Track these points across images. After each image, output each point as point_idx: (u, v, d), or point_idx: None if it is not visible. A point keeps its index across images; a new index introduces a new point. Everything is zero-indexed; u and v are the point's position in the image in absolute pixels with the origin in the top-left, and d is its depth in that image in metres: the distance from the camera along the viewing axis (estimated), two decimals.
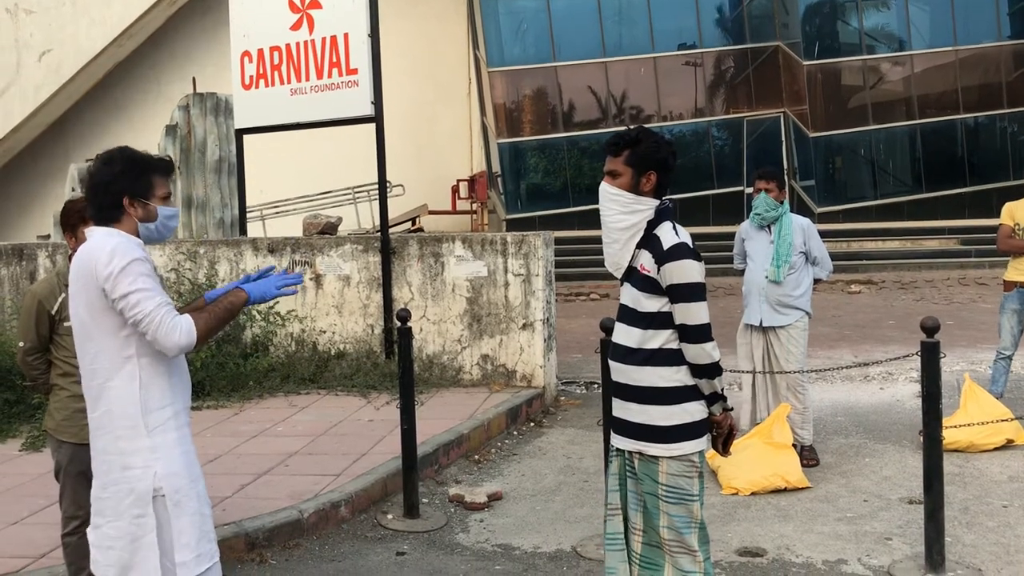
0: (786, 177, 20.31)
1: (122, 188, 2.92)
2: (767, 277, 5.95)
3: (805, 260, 6.04)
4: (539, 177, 23.49)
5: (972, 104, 22.15)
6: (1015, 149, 21.96)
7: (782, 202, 6.07)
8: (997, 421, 5.85)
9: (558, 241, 10.08)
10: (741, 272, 6.28)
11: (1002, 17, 22.60)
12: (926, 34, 22.61)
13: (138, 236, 2.97)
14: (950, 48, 22.13)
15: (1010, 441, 6.13)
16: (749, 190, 22.34)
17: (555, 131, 22.96)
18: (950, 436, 5.76)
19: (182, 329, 2.79)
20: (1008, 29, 22.68)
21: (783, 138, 22.74)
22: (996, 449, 6.08)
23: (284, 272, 3.17)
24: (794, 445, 5.77)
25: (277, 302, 8.32)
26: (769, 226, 6.04)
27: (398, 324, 5.36)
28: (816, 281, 6.17)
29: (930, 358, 4.26)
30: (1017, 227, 6.62)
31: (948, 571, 4.29)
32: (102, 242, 2.86)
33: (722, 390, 3.29)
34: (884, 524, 4.97)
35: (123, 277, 2.79)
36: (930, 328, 4.29)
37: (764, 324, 5.99)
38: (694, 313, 3.19)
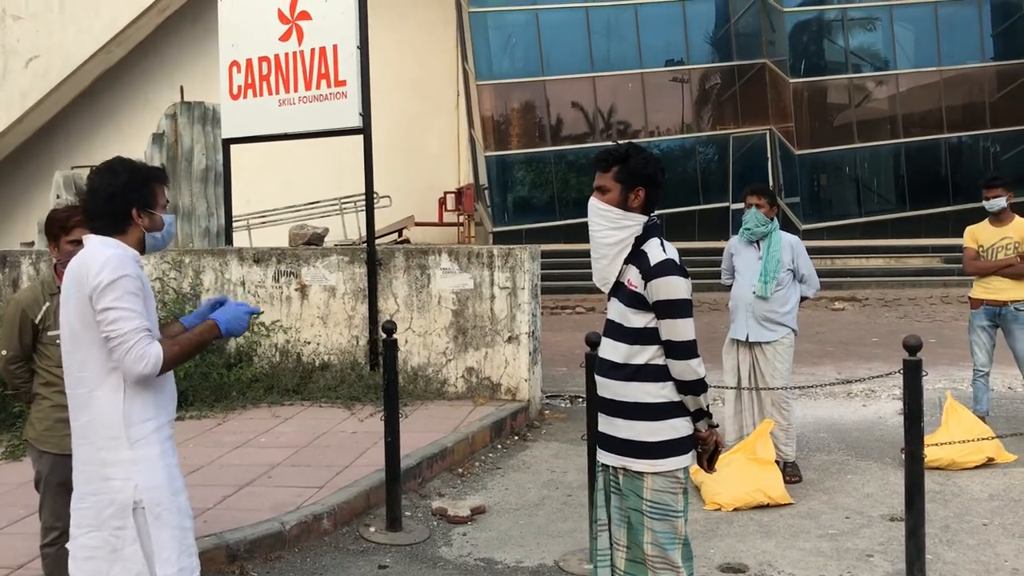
0: None
1: (130, 199, 2.92)
2: (754, 293, 5.97)
3: (793, 277, 6.07)
4: (526, 190, 23.56)
5: (956, 124, 22.37)
6: (998, 169, 22.14)
7: (772, 218, 6.10)
8: (978, 439, 5.89)
9: (544, 255, 10.10)
10: (728, 287, 6.30)
11: (986, 38, 22.87)
12: (911, 54, 22.86)
13: (142, 246, 2.98)
14: (935, 68, 22.37)
15: (991, 459, 6.17)
16: (735, 206, 22.55)
17: (543, 145, 23.05)
18: (932, 454, 5.80)
19: (149, 360, 2.78)
20: (992, 50, 22.95)
21: (769, 155, 22.91)
22: (977, 467, 6.12)
23: (243, 302, 3.15)
24: (777, 461, 5.78)
25: (262, 311, 8.29)
26: (758, 242, 6.06)
27: (383, 336, 5.35)
28: (802, 299, 6.20)
29: (912, 376, 4.29)
30: (981, 248, 6.74)
31: None
32: (97, 252, 2.85)
33: (707, 406, 3.31)
34: (866, 541, 4.98)
35: (109, 291, 2.77)
36: (912, 346, 4.32)
37: (750, 339, 6.01)
38: (680, 329, 3.21)
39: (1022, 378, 6.89)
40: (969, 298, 6.93)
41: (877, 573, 4.56)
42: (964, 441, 5.80)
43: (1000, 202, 6.71)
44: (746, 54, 23.24)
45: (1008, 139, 22.32)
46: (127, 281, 2.80)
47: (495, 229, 22.44)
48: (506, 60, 23.36)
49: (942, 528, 5.10)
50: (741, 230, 6.14)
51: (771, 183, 22.06)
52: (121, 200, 2.91)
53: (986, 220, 6.84)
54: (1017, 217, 6.77)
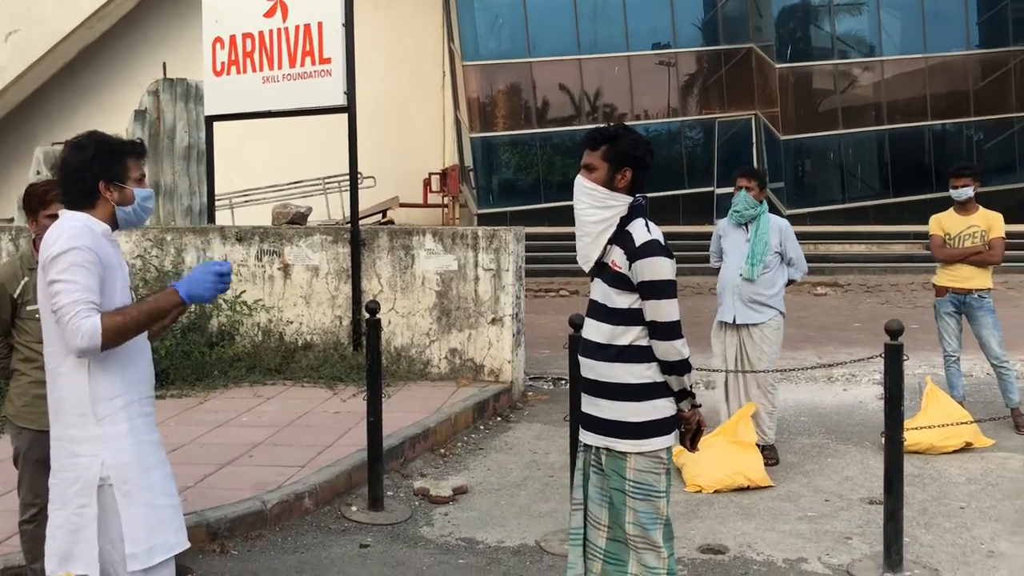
0: None
1: (97, 173, 2.87)
2: (741, 275, 5.98)
3: (780, 260, 6.08)
4: (511, 172, 23.51)
5: (940, 111, 22.46)
6: (981, 157, 22.27)
7: (762, 201, 6.10)
8: (956, 424, 5.94)
9: (529, 237, 10.06)
10: (716, 270, 6.30)
11: (971, 27, 22.93)
12: (897, 40, 22.90)
13: (114, 220, 2.92)
14: (920, 55, 22.43)
15: (969, 444, 6.23)
16: (719, 191, 22.59)
17: (528, 127, 22.98)
18: (911, 438, 5.84)
19: (84, 333, 2.66)
20: (976, 38, 23.03)
21: (754, 140, 22.93)
22: (955, 451, 6.17)
23: (226, 266, 2.88)
24: (756, 444, 5.81)
25: (244, 291, 8.26)
26: (747, 224, 6.06)
27: (367, 316, 5.33)
28: (790, 282, 6.21)
29: (893, 361, 4.31)
30: (948, 236, 6.80)
31: (906, 571, 4.34)
32: (60, 225, 2.82)
33: (691, 387, 3.31)
34: (844, 524, 5.02)
35: (57, 263, 2.73)
36: (894, 331, 4.34)
37: (737, 321, 6.02)
38: (665, 310, 3.21)
39: (989, 364, 6.96)
40: (934, 285, 7.00)
41: (855, 555, 4.59)
42: (943, 426, 5.84)
43: (968, 191, 6.77)
44: (733, 38, 23.21)
45: (991, 127, 22.43)
46: (75, 254, 2.73)
47: (480, 211, 22.40)
48: (492, 41, 23.25)
49: (920, 511, 5.14)
50: (730, 212, 6.14)
51: (756, 168, 22.10)
52: (89, 174, 2.86)
53: (951, 209, 6.91)
54: (981, 207, 6.84)
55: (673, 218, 21.11)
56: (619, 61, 22.91)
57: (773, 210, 6.22)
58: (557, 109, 23.18)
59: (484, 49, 22.94)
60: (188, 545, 2.97)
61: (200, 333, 8.14)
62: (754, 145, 22.90)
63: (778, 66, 21.99)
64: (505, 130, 23.04)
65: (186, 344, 7.85)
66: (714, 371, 6.20)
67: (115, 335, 2.72)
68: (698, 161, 23.14)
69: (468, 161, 23.49)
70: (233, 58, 8.74)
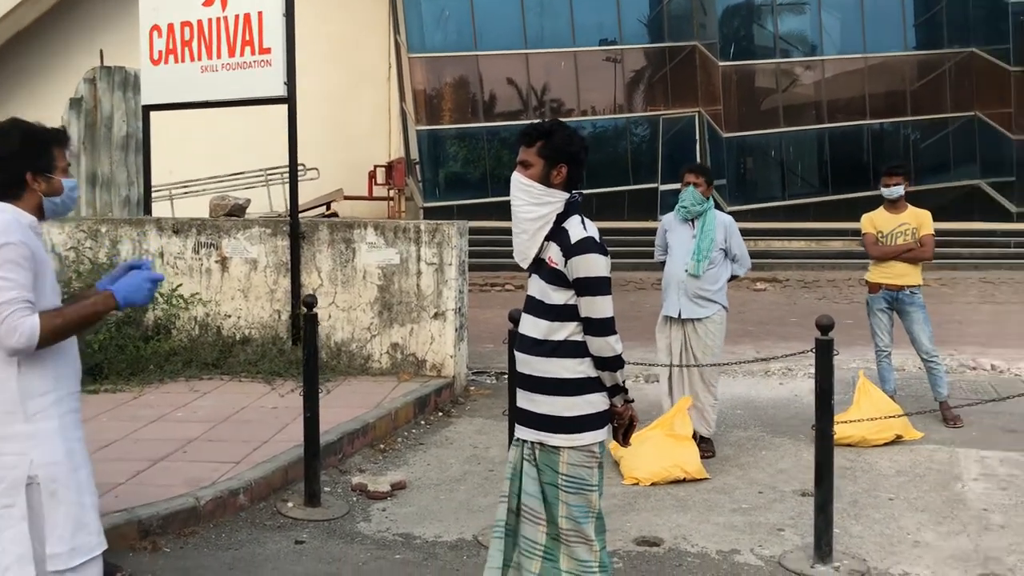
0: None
1: (24, 163, 2.80)
2: (687, 271, 6.04)
3: (725, 256, 6.15)
4: (458, 166, 23.45)
5: (878, 111, 22.93)
6: (917, 156, 22.80)
7: (709, 198, 6.17)
8: (887, 417, 6.07)
9: (475, 231, 10.04)
10: (661, 265, 6.36)
11: (908, 28, 23.44)
12: (837, 41, 23.32)
13: (41, 211, 2.85)
14: (859, 55, 22.87)
15: (899, 437, 6.38)
16: (664, 187, 22.80)
17: (475, 120, 22.93)
18: (843, 431, 5.97)
19: (22, 333, 2.63)
20: (914, 40, 23.55)
21: (697, 137, 23.17)
22: (886, 444, 6.31)
23: (145, 264, 2.95)
24: (693, 436, 5.89)
25: (180, 284, 8.12)
26: (693, 220, 6.12)
27: (304, 310, 5.28)
28: (733, 277, 6.28)
29: (824, 355, 4.40)
30: (880, 234, 6.95)
31: (835, 561, 4.43)
32: None
33: (624, 382, 3.34)
34: (777, 515, 5.11)
35: None
36: (825, 326, 4.43)
37: (683, 316, 6.08)
38: (599, 306, 3.23)
39: (919, 359, 7.13)
40: (867, 282, 7.16)
41: (787, 546, 4.68)
42: (874, 419, 5.97)
43: (899, 190, 6.94)
44: (677, 36, 23.42)
45: (927, 127, 22.96)
46: (10, 249, 2.67)
47: (426, 204, 22.30)
48: (439, 34, 23.14)
49: (851, 503, 5.25)
50: (677, 207, 6.19)
51: (704, 164, 22.34)
52: (13, 164, 2.79)
53: (881, 207, 7.07)
54: (910, 205, 7.01)
55: (618, 214, 21.27)
56: (565, 56, 22.98)
57: (717, 206, 6.30)
58: (504, 103, 23.17)
59: (430, 42, 22.83)
60: (107, 546, 2.91)
61: (135, 327, 7.98)
62: (697, 142, 23.14)
63: (721, 64, 22.25)
64: (452, 123, 22.97)
65: (120, 338, 7.69)
66: (658, 365, 6.26)
67: (52, 336, 2.71)
68: (643, 157, 23.32)
69: (414, 154, 23.38)
70: (171, 47, 8.58)
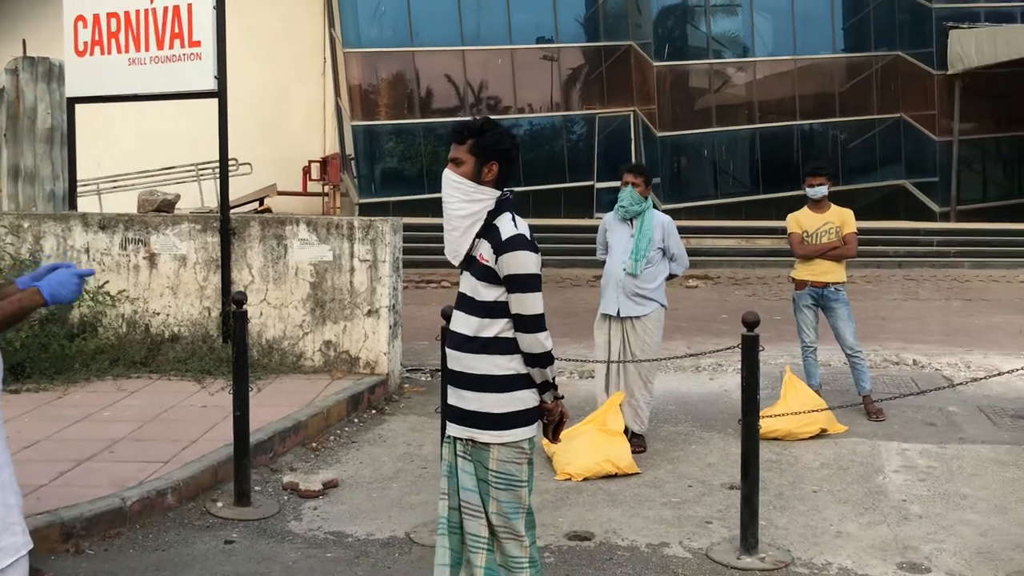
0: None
1: None
2: (625, 270, 6.10)
3: (663, 255, 6.24)
4: (394, 162, 23.31)
5: (807, 112, 23.44)
6: (845, 156, 23.38)
7: (647, 197, 6.24)
8: (813, 411, 6.22)
9: (412, 228, 10.02)
10: (602, 263, 6.43)
11: (837, 31, 24.00)
12: (769, 42, 23.76)
13: None
14: (790, 57, 23.33)
15: (824, 430, 6.54)
16: (599, 185, 22.99)
17: (411, 116, 22.83)
18: (770, 425, 6.12)
19: None
20: (842, 43, 24.12)
21: (632, 136, 23.40)
22: (812, 438, 6.46)
23: (71, 265, 2.89)
24: (625, 431, 5.96)
25: (107, 281, 7.94)
26: (632, 220, 6.19)
27: (234, 307, 5.21)
28: (671, 276, 6.37)
29: (749, 351, 4.49)
30: (805, 233, 7.13)
31: (760, 552, 4.54)
32: None
33: (553, 379, 3.37)
34: (706, 508, 5.21)
35: None
36: (750, 323, 4.52)
37: (621, 314, 6.14)
38: (529, 303, 3.26)
39: (844, 354, 7.33)
40: (793, 279, 7.34)
41: (715, 539, 4.77)
42: (800, 413, 6.12)
43: (823, 190, 7.13)
44: (613, 35, 23.61)
45: (854, 128, 23.55)
46: None
47: (361, 200, 22.13)
48: (374, 28, 22.97)
49: (776, 495, 5.37)
50: (616, 207, 6.26)
51: (642, 164, 22.58)
52: None
53: (805, 207, 7.26)
54: (833, 204, 7.21)
55: (555, 211, 21.38)
56: (502, 53, 23.01)
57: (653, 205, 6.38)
58: (441, 99, 23.11)
59: (366, 36, 22.65)
60: (32, 546, 2.85)
61: (60, 324, 7.78)
62: (632, 141, 23.38)
63: (656, 64, 22.50)
64: (388, 119, 22.83)
65: (44, 336, 7.49)
66: (591, 361, 6.32)
67: None
68: (579, 155, 23.47)
69: (349, 150, 23.18)
70: (97, 38, 8.37)
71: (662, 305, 6.25)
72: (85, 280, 2.88)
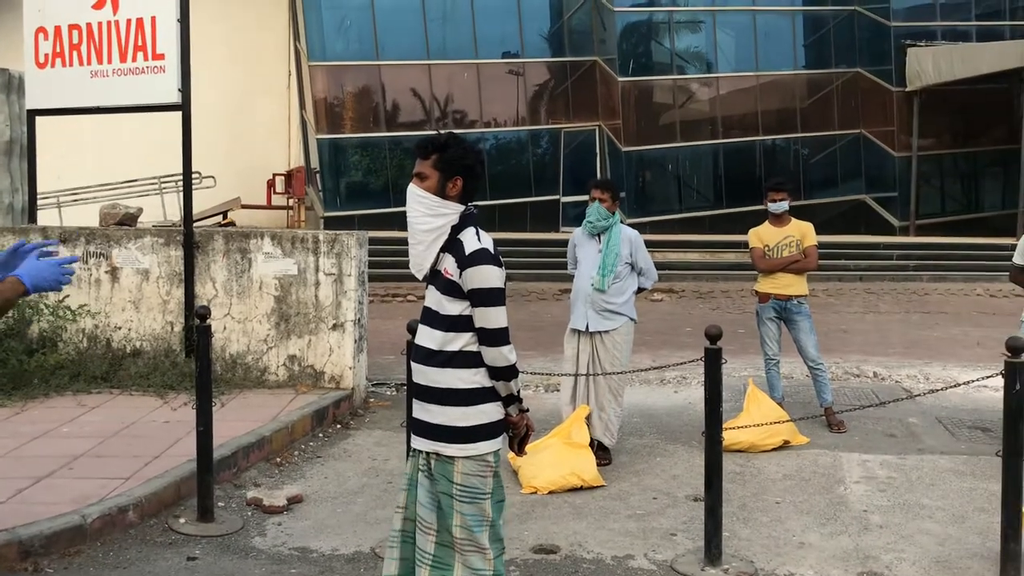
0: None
1: None
2: (592, 285, 6.14)
3: (631, 270, 6.28)
4: (360, 175, 23.27)
5: (770, 127, 23.76)
6: (806, 171, 23.71)
7: (614, 212, 6.28)
8: (775, 423, 6.29)
9: (378, 241, 9.98)
10: (571, 278, 6.47)
11: (798, 48, 24.39)
12: (732, 58, 24.08)
13: None
14: (752, 73, 23.65)
15: (786, 442, 6.61)
16: (565, 199, 23.11)
17: (377, 130, 22.82)
18: (733, 437, 6.16)
19: None
20: (803, 59, 24.50)
21: (598, 151, 23.58)
22: (774, 449, 6.53)
23: (34, 246, 2.94)
24: (591, 444, 5.98)
25: (67, 295, 7.85)
26: (600, 235, 6.23)
27: (197, 322, 5.18)
28: (640, 290, 6.41)
29: (712, 364, 4.54)
30: (767, 247, 7.23)
31: (724, 564, 4.58)
32: None
33: (518, 392, 3.39)
34: (670, 520, 5.24)
35: None
36: (713, 335, 4.57)
37: (590, 329, 6.17)
38: (493, 317, 3.28)
39: (806, 367, 7.42)
40: (756, 292, 7.43)
41: (679, 551, 4.80)
42: (762, 425, 6.18)
43: (784, 205, 7.25)
44: (578, 51, 23.80)
45: (815, 143, 23.91)
46: None
47: (326, 214, 22.05)
48: (340, 42, 22.96)
49: (740, 507, 5.42)
50: (584, 223, 6.30)
51: (609, 180, 22.72)
52: None
53: (766, 222, 7.36)
54: (793, 218, 7.33)
55: (521, 225, 21.44)
56: (468, 68, 23.09)
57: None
58: (407, 113, 23.12)
59: (331, 50, 22.62)
60: None
61: (19, 339, 7.66)
62: (598, 156, 23.54)
63: (620, 79, 22.70)
64: (353, 132, 22.79)
65: (2, 351, 7.38)
66: (557, 375, 6.34)
67: None
68: (546, 170, 23.59)
69: (315, 163, 23.10)
70: (58, 50, 8.29)
71: (631, 319, 6.29)
72: (68, 269, 2.90)
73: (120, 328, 8.02)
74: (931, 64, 22.20)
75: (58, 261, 2.84)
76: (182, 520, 5.06)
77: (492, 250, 3.33)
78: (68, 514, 4.74)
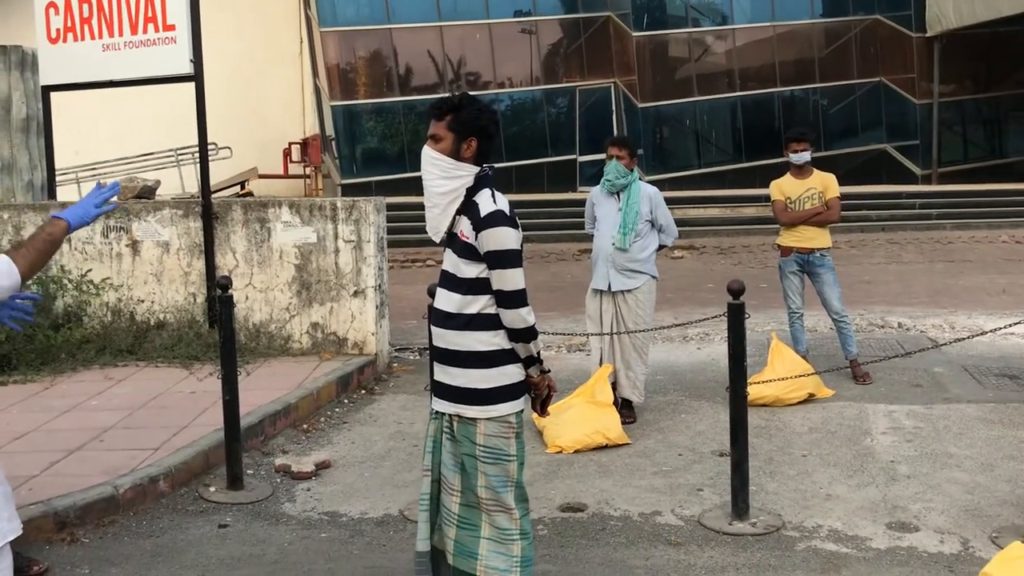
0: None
1: None
2: (614, 244, 6.10)
3: (652, 227, 6.22)
4: (375, 141, 23.19)
5: (788, 78, 23.41)
6: (826, 122, 23.39)
7: (632, 169, 6.22)
8: (800, 376, 6.26)
9: (395, 207, 9.95)
10: (589, 237, 6.41)
11: None
12: (747, 9, 23.67)
13: None
14: (769, 24, 23.26)
15: (811, 395, 6.59)
16: (582, 158, 22.95)
17: (391, 95, 22.69)
18: (758, 391, 6.15)
19: (0, 271, 2.79)
20: (820, 8, 24.06)
21: (613, 108, 23.34)
22: (799, 403, 6.51)
23: (98, 186, 3.22)
24: (615, 402, 5.99)
25: (90, 269, 7.90)
26: (618, 193, 6.18)
27: (219, 292, 5.20)
28: (661, 247, 6.37)
29: (735, 319, 4.51)
30: (788, 200, 7.14)
31: (752, 518, 4.58)
32: None
33: (538, 353, 3.38)
34: (696, 476, 5.25)
35: None
36: (736, 291, 4.54)
37: (612, 288, 6.14)
38: (510, 279, 3.26)
39: (830, 319, 7.37)
40: (778, 246, 7.35)
41: (706, 506, 4.81)
42: (787, 379, 6.16)
43: (806, 156, 7.14)
44: (591, 6, 23.48)
45: (834, 93, 23.55)
46: None
47: (344, 181, 22.04)
48: (351, 7, 22.78)
49: (766, 461, 5.42)
50: (602, 181, 6.24)
51: (626, 136, 22.52)
52: None
53: (788, 174, 7.25)
54: (815, 169, 7.21)
55: (538, 186, 21.33)
56: (480, 28, 22.86)
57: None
58: (420, 76, 22.96)
59: (342, 15, 22.46)
60: (21, 531, 2.86)
61: (45, 315, 7.74)
62: (614, 113, 23.31)
63: (635, 35, 22.41)
64: (367, 98, 22.68)
65: (29, 327, 7.44)
66: (578, 335, 6.33)
67: (29, 269, 2.96)
68: (561, 129, 23.41)
69: (330, 130, 23.04)
70: (69, 24, 8.26)
71: (653, 277, 6.25)
72: (108, 201, 3.29)
73: (143, 301, 8.08)
74: (951, 8, 21.74)
75: (95, 195, 3.24)
76: (212, 488, 5.12)
77: (508, 211, 3.30)
78: (101, 485, 4.81)
